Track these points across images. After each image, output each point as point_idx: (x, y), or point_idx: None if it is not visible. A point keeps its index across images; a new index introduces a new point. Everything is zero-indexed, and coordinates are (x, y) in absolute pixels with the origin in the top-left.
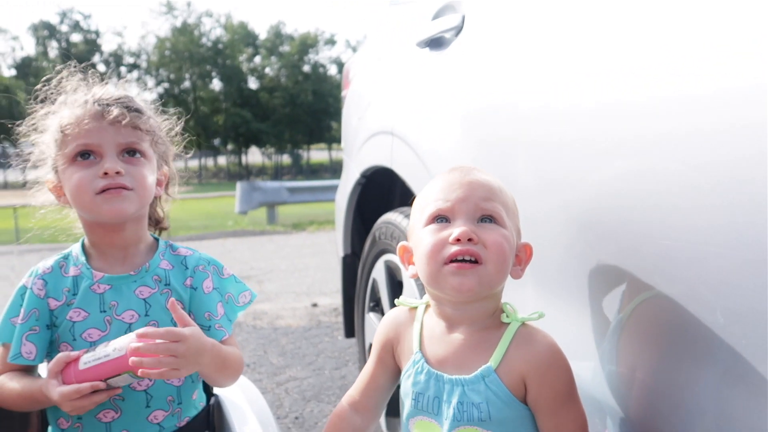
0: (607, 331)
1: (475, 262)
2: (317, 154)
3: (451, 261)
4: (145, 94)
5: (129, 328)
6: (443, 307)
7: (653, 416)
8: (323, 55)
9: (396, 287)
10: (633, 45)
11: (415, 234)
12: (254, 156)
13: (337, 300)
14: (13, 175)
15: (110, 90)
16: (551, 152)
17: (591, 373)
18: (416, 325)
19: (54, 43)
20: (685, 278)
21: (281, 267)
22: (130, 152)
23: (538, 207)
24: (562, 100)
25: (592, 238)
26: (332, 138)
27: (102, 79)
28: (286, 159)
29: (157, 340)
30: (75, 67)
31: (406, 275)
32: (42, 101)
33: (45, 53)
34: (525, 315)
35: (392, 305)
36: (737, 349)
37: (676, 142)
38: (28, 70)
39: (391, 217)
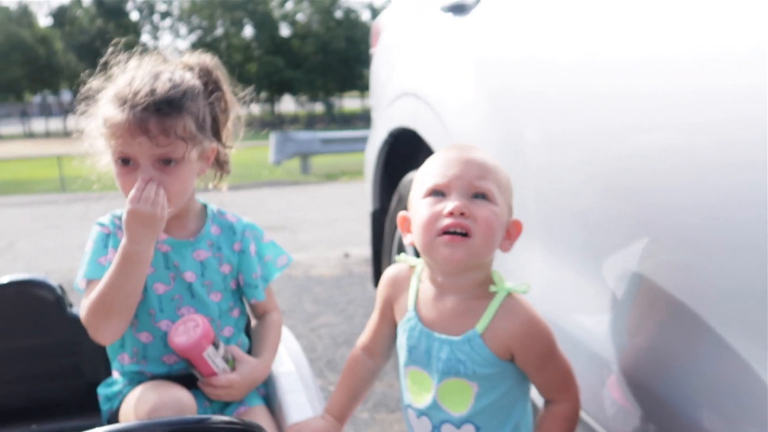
0: (610, 294)
1: (466, 235)
2: (350, 102)
3: (444, 233)
4: (184, 59)
5: (190, 287)
6: (435, 274)
7: (650, 375)
8: (355, 0)
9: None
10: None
11: (414, 205)
12: (287, 104)
13: (368, 251)
14: (54, 124)
15: (148, 78)
16: (568, 113)
17: (593, 332)
18: (413, 283)
19: None
20: (694, 245)
21: (314, 217)
22: (165, 161)
23: (546, 168)
24: (582, 59)
25: (601, 199)
26: (365, 85)
27: (145, 49)
28: (318, 107)
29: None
30: (120, 43)
31: (405, 241)
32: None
33: (79, 2)
34: (512, 285)
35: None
36: (738, 317)
37: (698, 101)
38: (63, 18)
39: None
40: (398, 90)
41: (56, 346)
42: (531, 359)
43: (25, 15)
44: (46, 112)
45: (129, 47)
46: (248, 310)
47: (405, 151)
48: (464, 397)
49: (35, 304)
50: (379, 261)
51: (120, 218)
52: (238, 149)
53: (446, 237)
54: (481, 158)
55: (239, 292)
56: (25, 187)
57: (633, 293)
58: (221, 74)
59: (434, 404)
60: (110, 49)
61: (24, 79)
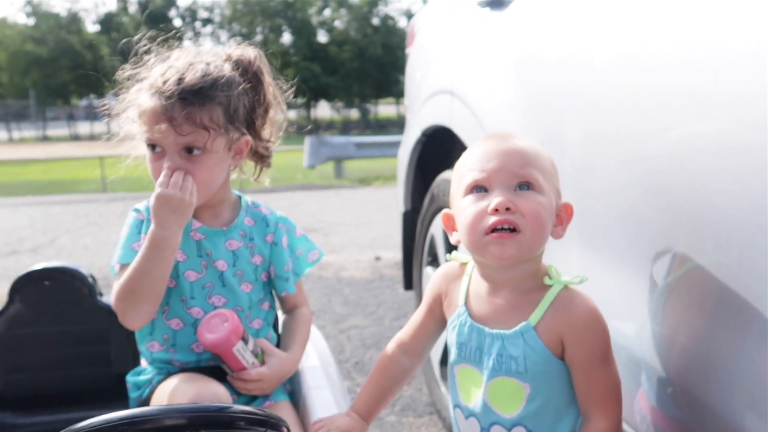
0: (652, 292)
1: (514, 230)
2: (385, 109)
3: (492, 230)
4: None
5: (221, 275)
6: (487, 270)
7: (691, 379)
8: (393, 7)
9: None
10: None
11: (456, 203)
12: (323, 110)
13: (398, 254)
14: (99, 127)
15: (182, 68)
16: (608, 111)
17: (632, 332)
18: (464, 280)
19: None
20: (737, 245)
21: (347, 220)
22: (189, 149)
23: (588, 164)
24: (622, 56)
25: (641, 196)
26: (400, 92)
27: (179, 38)
28: (354, 113)
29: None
30: (154, 35)
31: (452, 240)
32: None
33: (125, 9)
34: (568, 278)
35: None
36: None
37: (747, 98)
38: (110, 25)
39: (449, 175)
40: (433, 88)
41: (86, 333)
42: (582, 354)
43: (74, 21)
44: (91, 115)
45: (166, 40)
46: (277, 304)
47: (438, 150)
48: (516, 397)
49: (67, 292)
50: (410, 262)
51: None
52: (275, 152)
53: (494, 235)
54: (520, 145)
55: (270, 285)
56: (68, 186)
57: (677, 294)
58: (263, 67)
59: (484, 405)
60: (144, 43)
61: (71, 84)
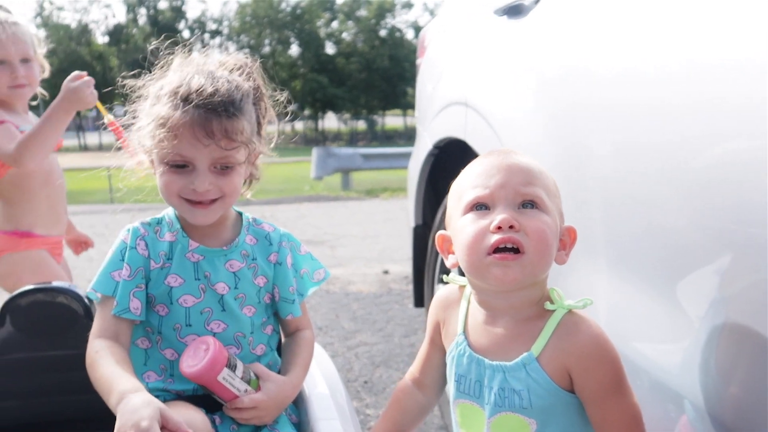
0: (686, 321)
1: (517, 251)
2: (392, 120)
3: (494, 251)
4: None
5: (221, 299)
6: (485, 296)
7: (730, 415)
8: (400, 19)
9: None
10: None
11: (454, 222)
12: (330, 121)
13: (407, 268)
14: (107, 138)
15: (206, 77)
16: (638, 123)
17: (663, 362)
18: (463, 305)
19: (143, 11)
20: None
21: (354, 233)
22: (223, 166)
23: (615, 182)
24: (654, 66)
25: (675, 212)
26: (407, 104)
27: (189, 50)
28: (361, 124)
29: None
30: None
31: (448, 263)
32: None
33: (135, 20)
34: (571, 302)
35: None
36: None
37: None
38: (119, 36)
39: None
40: (446, 99)
41: (80, 359)
42: (591, 386)
43: (84, 33)
44: (100, 126)
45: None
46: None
47: (451, 163)
48: None
49: (61, 313)
50: (420, 279)
51: (146, 225)
52: (281, 164)
53: (496, 255)
54: (524, 162)
55: (273, 307)
56: (76, 197)
57: (714, 320)
58: (260, 77)
59: None
60: (151, 47)
61: None
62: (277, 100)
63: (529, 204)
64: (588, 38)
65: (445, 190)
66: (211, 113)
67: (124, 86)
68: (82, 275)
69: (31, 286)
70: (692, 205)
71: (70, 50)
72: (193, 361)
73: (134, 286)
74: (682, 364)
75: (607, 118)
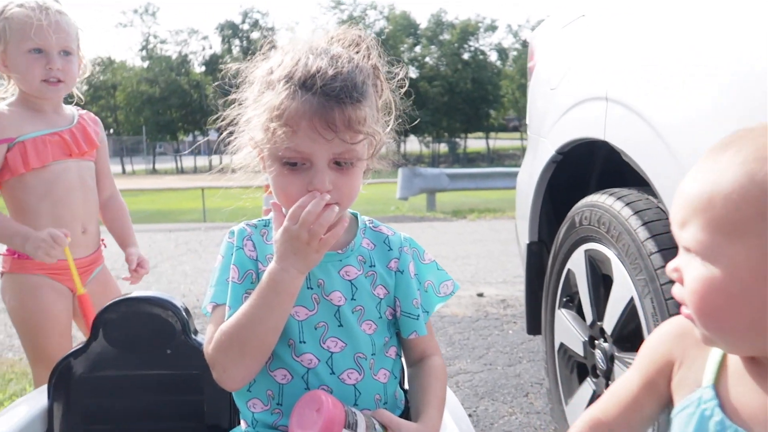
0: None
1: None
2: (474, 143)
3: None
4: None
5: (338, 312)
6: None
7: None
8: (484, 42)
9: (599, 281)
10: None
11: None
12: (412, 144)
13: (503, 291)
14: (201, 161)
15: (323, 57)
16: None
17: None
18: (715, 348)
19: (237, 41)
20: None
21: (443, 253)
22: (343, 162)
23: None
24: None
25: None
26: (490, 126)
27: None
28: (443, 147)
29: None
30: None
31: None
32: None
33: (229, 50)
34: None
35: (594, 301)
36: None
37: None
38: (215, 66)
39: (599, 199)
40: (576, 96)
41: (176, 379)
42: None
43: (183, 63)
44: (195, 150)
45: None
46: None
47: (566, 175)
48: None
49: (157, 327)
50: (535, 301)
51: (252, 227)
52: (364, 185)
53: None
54: None
55: (395, 326)
56: (172, 215)
57: None
58: (376, 54)
59: None
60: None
61: (179, 121)
62: (397, 80)
63: None
64: None
65: (561, 203)
66: (333, 101)
67: (231, 70)
68: (178, 290)
69: (126, 295)
70: None
71: (171, 80)
72: (305, 425)
73: (244, 290)
74: None
75: None
